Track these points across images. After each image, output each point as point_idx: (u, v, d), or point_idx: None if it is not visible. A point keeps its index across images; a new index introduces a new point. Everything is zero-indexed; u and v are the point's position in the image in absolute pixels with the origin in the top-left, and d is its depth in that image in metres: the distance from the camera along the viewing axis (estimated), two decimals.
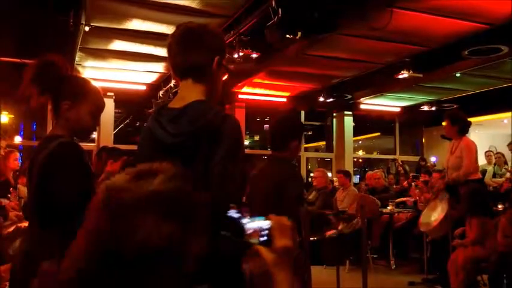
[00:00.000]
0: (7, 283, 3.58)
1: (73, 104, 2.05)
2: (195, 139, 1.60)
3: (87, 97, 2.10)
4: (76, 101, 2.06)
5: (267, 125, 14.28)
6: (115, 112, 10.84)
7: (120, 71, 8.88)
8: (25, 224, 2.68)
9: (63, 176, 1.91)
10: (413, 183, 8.89)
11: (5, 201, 4.48)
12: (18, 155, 5.35)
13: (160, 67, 8.65)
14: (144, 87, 9.94)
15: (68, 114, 2.05)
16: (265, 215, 1.33)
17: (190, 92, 1.74)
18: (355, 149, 13.90)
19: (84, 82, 2.19)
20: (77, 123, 2.08)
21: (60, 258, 1.89)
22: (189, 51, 1.73)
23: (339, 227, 3.40)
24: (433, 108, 11.04)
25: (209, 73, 1.75)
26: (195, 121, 1.62)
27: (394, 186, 9.67)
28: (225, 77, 1.98)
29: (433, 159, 11.46)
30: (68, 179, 1.91)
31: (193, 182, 1.27)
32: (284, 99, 10.86)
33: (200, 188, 1.55)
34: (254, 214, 1.63)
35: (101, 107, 2.19)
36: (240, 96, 10.41)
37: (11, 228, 3.17)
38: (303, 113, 11.87)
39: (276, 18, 5.30)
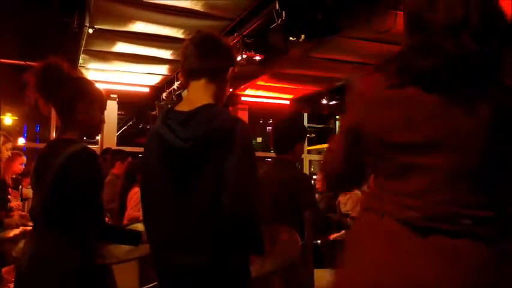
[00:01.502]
0: (10, 285, 3.57)
1: (86, 106, 2.08)
2: (207, 144, 1.58)
3: (95, 96, 2.14)
4: (88, 102, 2.10)
5: (270, 128, 14.27)
6: (118, 114, 10.86)
7: (124, 73, 8.89)
8: (30, 226, 2.68)
9: (81, 180, 1.96)
10: None
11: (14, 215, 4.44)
12: (24, 159, 5.32)
13: (163, 69, 8.66)
14: (147, 89, 9.94)
15: (82, 117, 2.08)
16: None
17: (199, 95, 1.74)
18: None
19: (88, 81, 2.23)
20: (91, 123, 2.13)
21: (67, 260, 1.92)
22: (208, 55, 1.77)
23: (342, 232, 3.39)
24: None
25: (222, 79, 1.77)
26: (207, 125, 1.60)
27: None
28: (230, 90, 2.07)
29: None
30: (86, 184, 1.97)
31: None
32: (287, 102, 10.85)
33: (211, 191, 1.55)
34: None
35: (105, 102, 2.26)
36: (243, 98, 10.40)
37: (18, 231, 3.17)
38: (305, 115, 11.86)
39: (279, 21, 5.30)
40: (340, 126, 1.35)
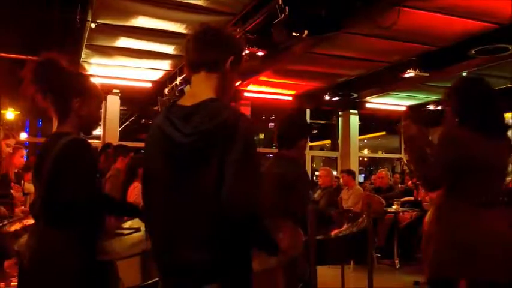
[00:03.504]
0: (12, 279, 3.58)
1: (84, 101, 2.08)
2: (210, 138, 1.56)
3: (93, 92, 2.14)
4: (85, 97, 2.09)
5: (273, 124, 14.27)
6: (120, 109, 10.86)
7: (126, 68, 8.89)
8: (31, 220, 2.68)
9: (74, 173, 1.94)
10: (418, 183, 8.84)
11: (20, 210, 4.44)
12: (24, 152, 5.31)
13: (165, 64, 8.65)
14: (149, 85, 9.94)
15: (80, 111, 2.07)
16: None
17: (202, 89, 1.72)
18: (361, 148, 13.86)
19: (85, 77, 2.22)
20: (89, 118, 2.13)
21: (68, 256, 1.91)
22: (206, 47, 1.73)
23: (344, 226, 3.39)
24: (439, 108, 10.99)
25: (222, 70, 1.73)
26: (210, 120, 1.58)
27: (400, 186, 9.64)
28: (239, 82, 2.00)
29: None
30: (79, 176, 1.95)
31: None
32: (290, 98, 10.84)
33: (213, 187, 1.54)
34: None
35: (102, 99, 2.27)
36: (245, 94, 10.39)
37: (19, 226, 3.16)
38: (308, 111, 11.85)
39: (282, 16, 5.28)
40: (440, 154, 2.39)
